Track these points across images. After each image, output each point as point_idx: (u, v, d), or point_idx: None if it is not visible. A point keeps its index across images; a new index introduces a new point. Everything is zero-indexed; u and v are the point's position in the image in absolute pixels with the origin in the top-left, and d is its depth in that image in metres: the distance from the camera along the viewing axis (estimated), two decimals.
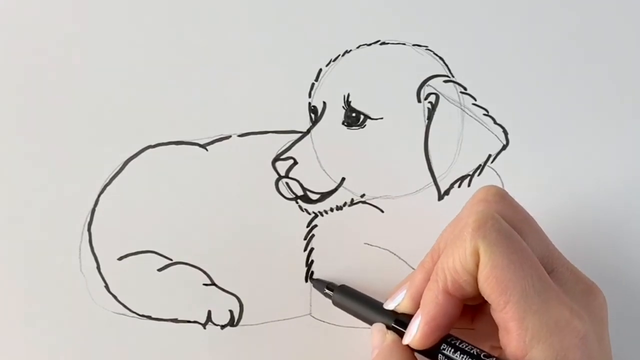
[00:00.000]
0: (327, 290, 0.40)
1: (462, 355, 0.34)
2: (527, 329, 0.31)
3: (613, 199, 0.42)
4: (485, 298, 0.33)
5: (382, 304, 0.38)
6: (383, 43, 0.43)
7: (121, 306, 0.41)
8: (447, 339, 0.35)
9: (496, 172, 0.42)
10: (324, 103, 0.42)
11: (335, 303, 0.40)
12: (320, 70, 0.42)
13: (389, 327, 0.37)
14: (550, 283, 0.33)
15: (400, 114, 0.42)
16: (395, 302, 0.37)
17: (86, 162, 0.41)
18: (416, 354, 0.36)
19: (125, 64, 0.42)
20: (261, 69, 0.42)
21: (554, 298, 0.32)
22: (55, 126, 0.42)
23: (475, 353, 0.34)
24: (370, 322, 0.38)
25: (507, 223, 0.34)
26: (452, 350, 0.34)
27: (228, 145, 0.42)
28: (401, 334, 0.36)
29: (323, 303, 0.41)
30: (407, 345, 0.35)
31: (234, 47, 0.42)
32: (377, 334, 0.37)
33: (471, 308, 0.37)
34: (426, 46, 0.43)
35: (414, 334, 0.35)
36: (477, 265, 0.33)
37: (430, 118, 0.42)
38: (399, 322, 0.37)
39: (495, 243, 0.32)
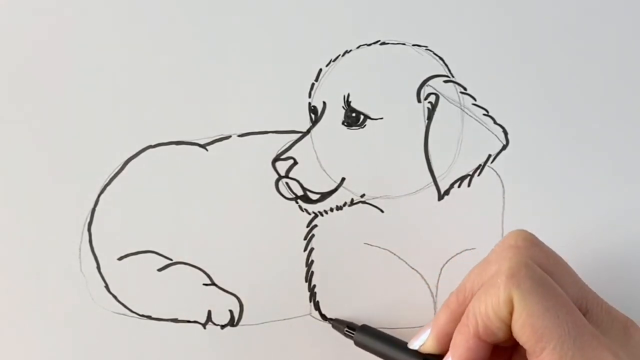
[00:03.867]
0: (347, 330, 0.40)
1: None
2: None
3: (614, 197, 0.42)
4: (521, 344, 0.33)
5: (405, 343, 0.38)
6: (383, 43, 0.43)
7: (121, 306, 0.41)
8: None
9: (496, 172, 0.42)
10: (324, 103, 0.42)
11: (357, 343, 0.40)
12: (320, 70, 0.42)
13: None
14: (587, 327, 0.33)
15: (400, 114, 0.42)
16: (419, 342, 0.37)
17: (86, 162, 0.41)
18: None
19: (125, 64, 0.42)
20: (261, 69, 0.42)
21: (589, 342, 0.32)
22: (55, 126, 0.42)
23: None
24: None
25: (540, 268, 0.33)
26: None
27: (228, 145, 0.42)
28: None
29: (323, 303, 0.41)
30: None
31: (234, 47, 0.42)
32: None
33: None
34: (426, 46, 0.43)
35: None
36: (511, 314, 0.32)
37: (430, 118, 0.42)
38: None
39: (530, 291, 0.32)
